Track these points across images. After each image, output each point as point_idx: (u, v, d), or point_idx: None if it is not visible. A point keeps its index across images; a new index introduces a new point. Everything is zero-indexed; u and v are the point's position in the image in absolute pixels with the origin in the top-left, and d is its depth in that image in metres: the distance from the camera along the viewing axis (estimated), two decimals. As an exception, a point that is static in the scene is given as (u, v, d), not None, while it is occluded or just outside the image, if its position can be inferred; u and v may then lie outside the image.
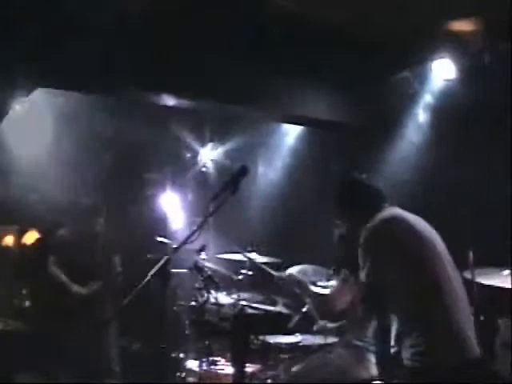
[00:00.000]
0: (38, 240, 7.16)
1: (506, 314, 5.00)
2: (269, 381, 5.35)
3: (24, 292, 6.85)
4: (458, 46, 6.66)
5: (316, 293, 5.38)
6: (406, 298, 3.59)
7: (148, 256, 6.34)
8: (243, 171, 3.69)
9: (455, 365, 3.45)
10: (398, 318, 3.65)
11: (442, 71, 6.95)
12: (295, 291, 5.75)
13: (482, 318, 4.90)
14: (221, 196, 3.62)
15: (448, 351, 3.46)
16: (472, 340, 3.55)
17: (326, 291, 5.49)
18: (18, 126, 6.82)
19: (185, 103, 7.25)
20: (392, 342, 3.78)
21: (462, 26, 6.44)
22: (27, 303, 6.80)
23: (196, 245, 5.34)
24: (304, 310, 5.83)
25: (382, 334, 3.83)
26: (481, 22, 6.34)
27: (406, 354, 3.59)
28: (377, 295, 3.71)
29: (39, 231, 7.25)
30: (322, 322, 5.54)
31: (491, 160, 6.18)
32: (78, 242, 6.39)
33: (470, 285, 4.62)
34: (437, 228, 3.89)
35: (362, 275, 3.74)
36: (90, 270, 6.38)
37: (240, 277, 6.24)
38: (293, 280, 5.33)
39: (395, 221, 3.77)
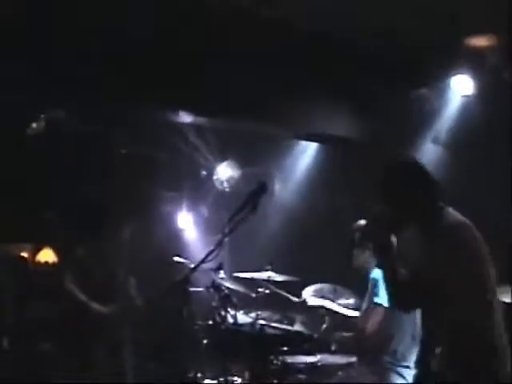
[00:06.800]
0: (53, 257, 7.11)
1: None
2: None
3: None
4: (476, 62, 6.63)
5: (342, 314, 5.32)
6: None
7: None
8: (262, 189, 3.61)
9: None
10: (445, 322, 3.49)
11: (461, 87, 6.91)
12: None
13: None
14: (239, 214, 3.57)
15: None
16: None
17: (345, 310, 5.46)
18: None
19: (201, 120, 7.23)
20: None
21: (479, 41, 6.43)
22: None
23: (213, 263, 5.32)
24: (323, 328, 5.79)
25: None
26: (498, 38, 6.32)
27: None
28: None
29: (55, 249, 7.20)
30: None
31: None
32: (96, 260, 6.29)
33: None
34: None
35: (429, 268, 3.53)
36: (108, 290, 6.27)
37: (256, 295, 6.17)
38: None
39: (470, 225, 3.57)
